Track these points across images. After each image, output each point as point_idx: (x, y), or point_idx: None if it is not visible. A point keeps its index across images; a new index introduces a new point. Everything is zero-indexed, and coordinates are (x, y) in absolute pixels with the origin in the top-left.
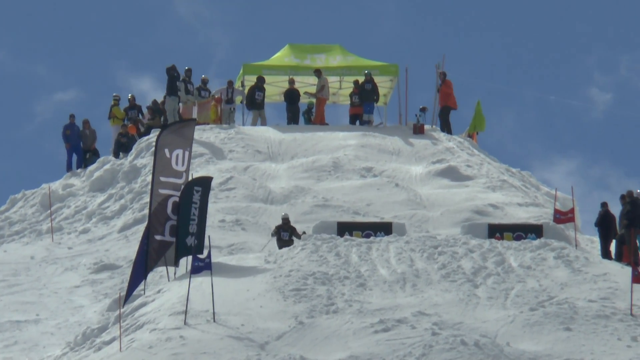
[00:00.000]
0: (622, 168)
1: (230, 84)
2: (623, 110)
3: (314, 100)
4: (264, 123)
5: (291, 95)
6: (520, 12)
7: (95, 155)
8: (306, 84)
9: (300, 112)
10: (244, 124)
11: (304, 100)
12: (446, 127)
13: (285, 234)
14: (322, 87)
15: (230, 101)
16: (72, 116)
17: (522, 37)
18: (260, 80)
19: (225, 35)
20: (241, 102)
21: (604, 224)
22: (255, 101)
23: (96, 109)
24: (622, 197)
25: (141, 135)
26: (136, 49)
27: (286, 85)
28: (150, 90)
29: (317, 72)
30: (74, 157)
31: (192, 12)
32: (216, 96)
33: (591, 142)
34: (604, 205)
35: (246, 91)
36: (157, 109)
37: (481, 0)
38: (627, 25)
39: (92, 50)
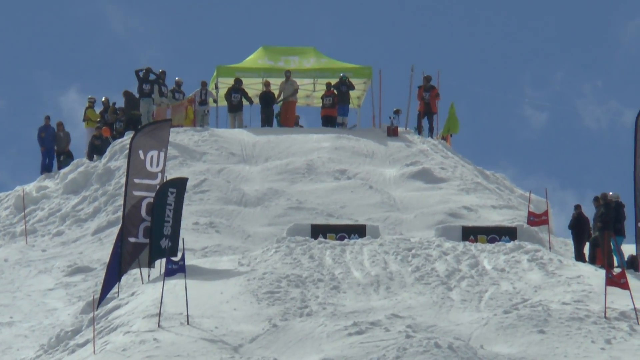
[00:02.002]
0: (557, 180)
1: (204, 85)
2: (557, 126)
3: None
4: (240, 125)
5: (266, 98)
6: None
7: (69, 157)
8: (279, 87)
9: (274, 114)
10: (217, 126)
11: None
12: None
13: None
14: (296, 91)
15: (203, 103)
16: (47, 118)
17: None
18: (237, 82)
19: (159, 51)
20: (214, 101)
21: (578, 227)
22: (231, 103)
23: (16, 117)
24: (596, 200)
25: (115, 137)
26: (63, 62)
27: (259, 87)
28: (75, 102)
29: (288, 73)
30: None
31: (126, 27)
32: (190, 98)
33: (526, 155)
34: (578, 207)
35: (223, 93)
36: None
37: (452, 5)
38: (559, 41)
39: (16, 60)
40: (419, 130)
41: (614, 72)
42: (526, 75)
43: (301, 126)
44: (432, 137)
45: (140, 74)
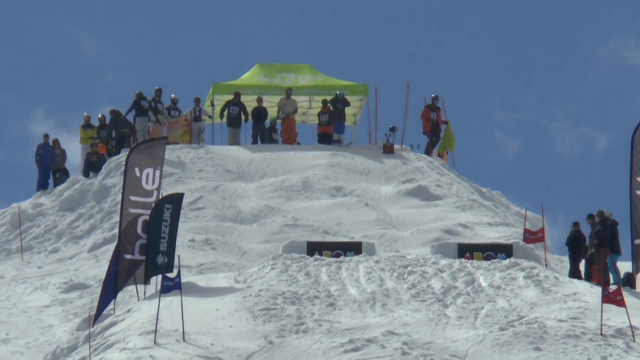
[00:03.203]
0: (529, 204)
1: (197, 101)
2: (529, 151)
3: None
4: (237, 142)
5: (258, 114)
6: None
7: (65, 174)
8: (274, 104)
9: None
10: (213, 143)
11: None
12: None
13: None
14: (296, 110)
15: (197, 119)
16: (45, 136)
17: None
18: (236, 96)
19: (130, 76)
20: (209, 117)
21: (575, 244)
22: (230, 116)
23: None
24: (591, 217)
25: (111, 154)
26: (31, 84)
27: (255, 104)
28: (42, 124)
29: (289, 90)
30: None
31: (98, 52)
32: (185, 116)
33: (499, 179)
34: (576, 224)
35: (218, 110)
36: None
37: (446, 22)
38: (531, 66)
39: None
40: (428, 151)
41: (586, 97)
42: (497, 99)
43: (298, 143)
44: (430, 155)
45: (146, 100)
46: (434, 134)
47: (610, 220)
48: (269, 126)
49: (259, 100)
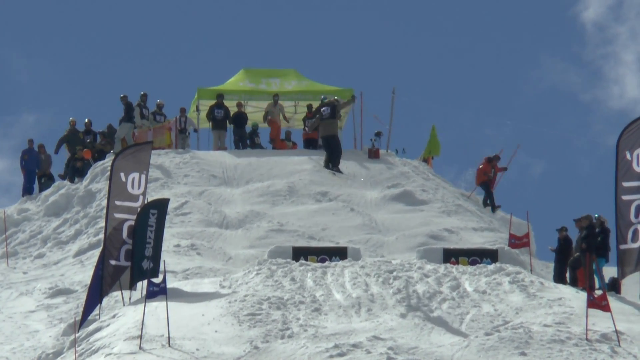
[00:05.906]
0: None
1: (183, 111)
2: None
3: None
4: (222, 145)
5: (238, 119)
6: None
7: (50, 179)
8: (260, 109)
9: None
10: (198, 149)
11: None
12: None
13: None
14: (284, 116)
15: (183, 131)
16: (30, 141)
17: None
18: (219, 97)
19: (57, 97)
20: (195, 130)
21: (562, 249)
22: (215, 119)
23: None
24: (578, 221)
25: (96, 159)
26: None
27: (235, 109)
28: None
29: (276, 97)
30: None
31: (31, 71)
32: (170, 122)
33: None
34: (565, 230)
35: (204, 115)
36: (111, 135)
37: (431, 26)
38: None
39: None
40: (493, 207)
41: (518, 120)
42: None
43: (294, 142)
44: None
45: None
46: (488, 187)
47: (599, 225)
48: (250, 131)
49: (239, 105)
